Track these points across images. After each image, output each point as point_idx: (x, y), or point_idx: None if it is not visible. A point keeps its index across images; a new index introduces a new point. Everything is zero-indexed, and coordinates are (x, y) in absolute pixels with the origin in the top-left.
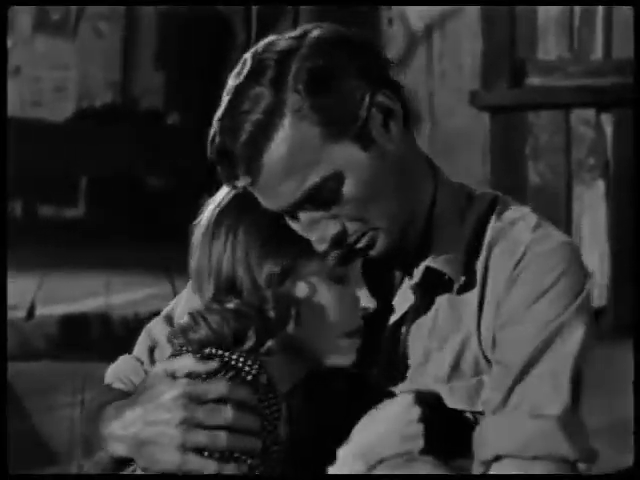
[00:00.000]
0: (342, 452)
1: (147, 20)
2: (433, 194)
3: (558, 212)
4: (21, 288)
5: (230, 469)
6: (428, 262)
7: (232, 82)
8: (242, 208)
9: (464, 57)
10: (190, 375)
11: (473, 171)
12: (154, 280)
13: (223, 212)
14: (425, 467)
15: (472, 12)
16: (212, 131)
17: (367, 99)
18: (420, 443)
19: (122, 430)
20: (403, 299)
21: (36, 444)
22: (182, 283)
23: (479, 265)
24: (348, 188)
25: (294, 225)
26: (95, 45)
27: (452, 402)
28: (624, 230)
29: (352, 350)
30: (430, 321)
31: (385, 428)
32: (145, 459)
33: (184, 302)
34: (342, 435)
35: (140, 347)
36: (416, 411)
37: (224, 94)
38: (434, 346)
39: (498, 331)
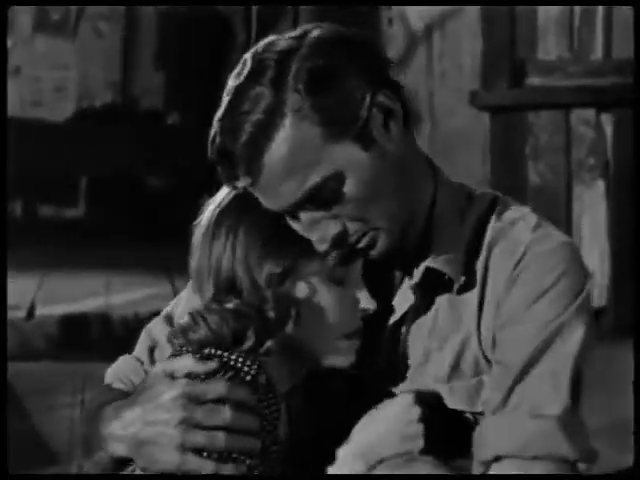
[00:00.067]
0: (342, 452)
1: (147, 20)
2: (433, 194)
3: (558, 212)
4: (21, 288)
5: (229, 469)
6: (428, 262)
7: (232, 82)
8: (242, 208)
9: (464, 57)
10: (189, 375)
11: (473, 171)
12: (154, 280)
13: (223, 212)
14: (425, 467)
15: (472, 12)
16: (212, 131)
17: (368, 99)
18: (420, 443)
19: (121, 430)
20: (403, 299)
21: (36, 444)
22: (182, 283)
23: (479, 265)
24: (349, 188)
25: (295, 225)
26: (95, 45)
27: (452, 402)
28: (624, 230)
29: (351, 351)
30: (430, 321)
31: (385, 428)
32: (144, 459)
33: (184, 302)
34: (341, 435)
35: (140, 347)
36: (416, 411)
37: (224, 95)
38: (434, 346)
39: (498, 331)
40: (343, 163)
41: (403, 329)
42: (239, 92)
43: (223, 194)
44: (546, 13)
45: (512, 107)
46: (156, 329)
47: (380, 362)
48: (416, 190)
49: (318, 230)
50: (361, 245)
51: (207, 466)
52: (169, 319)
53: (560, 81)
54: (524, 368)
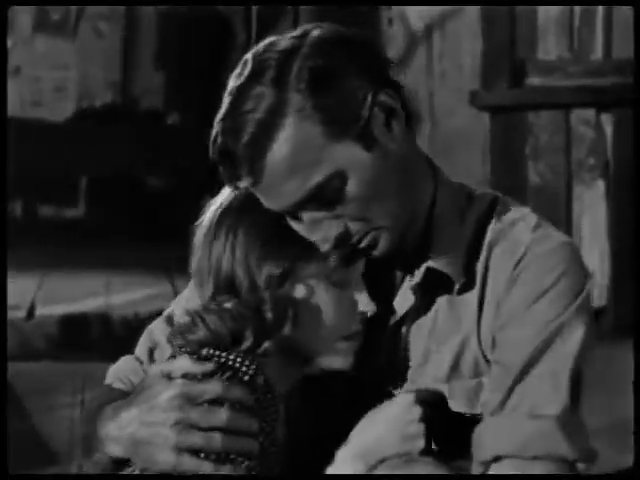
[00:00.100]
0: (343, 452)
1: (147, 20)
2: (433, 194)
3: (558, 212)
4: (21, 288)
5: (226, 470)
6: (429, 263)
7: (233, 83)
8: (243, 209)
9: (464, 57)
10: (186, 376)
11: (473, 171)
12: (154, 280)
13: (224, 213)
14: (425, 467)
15: (472, 12)
16: (214, 132)
17: (369, 98)
18: (421, 443)
19: (118, 431)
20: (403, 300)
21: (36, 444)
22: (182, 283)
23: (479, 265)
24: (351, 187)
25: (296, 226)
26: (95, 45)
27: (451, 403)
28: (624, 230)
29: (349, 353)
30: (430, 322)
31: (385, 428)
32: (141, 460)
33: (185, 302)
34: (340, 436)
35: (141, 347)
36: (417, 411)
37: (225, 95)
38: (433, 347)
39: (498, 331)
40: (345, 162)
41: (403, 329)
42: (240, 92)
43: (225, 195)
44: (546, 13)
45: (512, 107)
46: (157, 329)
47: (380, 362)
48: (417, 189)
49: (320, 230)
50: (363, 245)
51: (203, 467)
52: (170, 319)
53: (560, 81)
54: (524, 368)
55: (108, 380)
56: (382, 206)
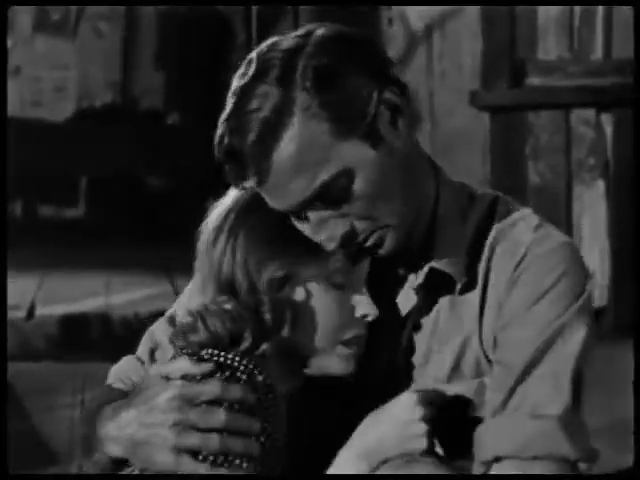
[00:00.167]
0: (345, 453)
1: (147, 20)
2: (436, 193)
3: (558, 212)
4: (21, 288)
5: (224, 471)
6: (432, 263)
7: (237, 82)
8: (244, 212)
9: (464, 57)
10: (185, 377)
11: (473, 171)
12: (154, 280)
13: (227, 215)
14: (427, 467)
15: (472, 12)
16: (218, 133)
17: (375, 96)
18: (423, 443)
19: (118, 431)
20: (406, 300)
21: (36, 444)
22: (182, 283)
23: (481, 266)
24: (358, 185)
25: (300, 226)
26: (95, 45)
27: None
28: (624, 230)
29: (350, 359)
30: (431, 322)
31: (388, 428)
32: (140, 460)
33: (187, 301)
34: (342, 437)
35: (142, 348)
36: (419, 411)
37: (229, 95)
38: (435, 347)
39: (499, 332)
40: (352, 160)
41: (406, 330)
42: (245, 92)
43: (228, 198)
44: (546, 13)
45: (512, 107)
46: (159, 330)
47: (382, 363)
48: (421, 188)
49: (326, 229)
50: (369, 244)
51: (202, 468)
52: (172, 320)
53: (560, 81)
54: (525, 369)
55: (109, 380)
56: (388, 204)
